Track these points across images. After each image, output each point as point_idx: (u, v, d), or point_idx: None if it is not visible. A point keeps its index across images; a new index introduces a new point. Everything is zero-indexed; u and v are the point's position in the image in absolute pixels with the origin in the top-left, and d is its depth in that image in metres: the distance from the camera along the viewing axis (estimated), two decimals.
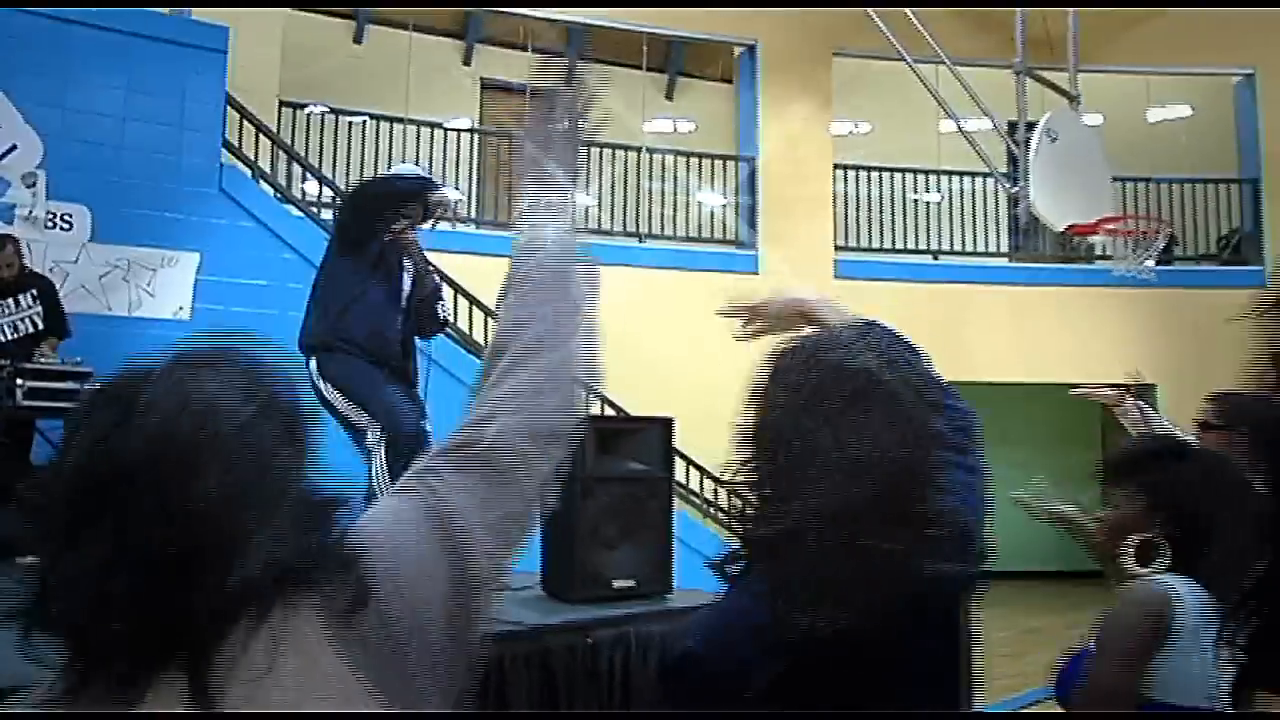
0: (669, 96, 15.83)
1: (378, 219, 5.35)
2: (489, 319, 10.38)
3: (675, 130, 15.25)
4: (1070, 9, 10.20)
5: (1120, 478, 2.61)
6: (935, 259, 13.45)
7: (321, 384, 5.15)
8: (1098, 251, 13.07)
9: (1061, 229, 9.22)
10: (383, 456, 4.98)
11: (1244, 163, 14.09)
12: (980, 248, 13.89)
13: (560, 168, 1.63)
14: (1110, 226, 9.33)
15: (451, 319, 6.08)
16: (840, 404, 1.51)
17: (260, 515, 1.14)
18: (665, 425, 4.68)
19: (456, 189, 12.79)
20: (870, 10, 10.08)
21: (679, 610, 4.29)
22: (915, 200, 14.05)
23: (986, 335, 12.63)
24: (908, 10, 10.35)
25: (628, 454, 4.63)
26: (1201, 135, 14.89)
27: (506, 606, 4.51)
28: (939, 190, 14.08)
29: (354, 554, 1.19)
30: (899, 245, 13.65)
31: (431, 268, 5.82)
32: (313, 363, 5.18)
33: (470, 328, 10.33)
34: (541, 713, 3.88)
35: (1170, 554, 2.43)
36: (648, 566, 4.55)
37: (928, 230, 13.84)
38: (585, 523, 4.40)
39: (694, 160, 13.55)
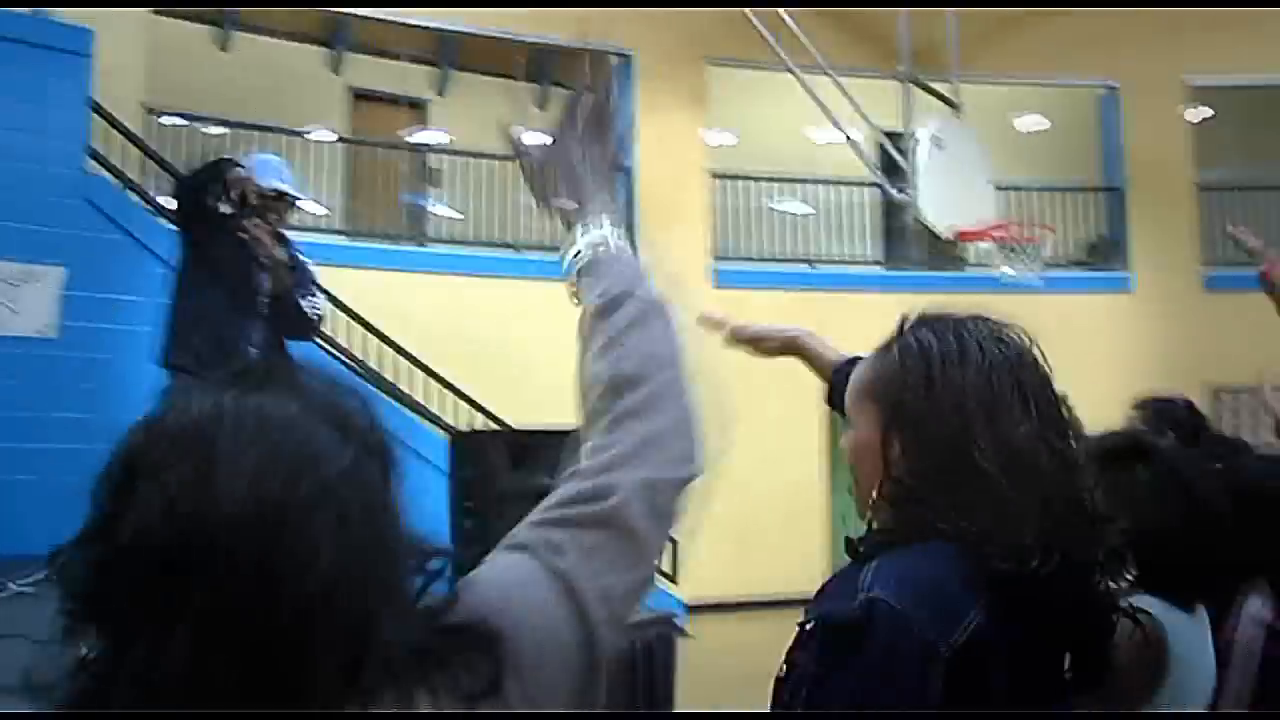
0: (542, 107, 15.69)
1: (202, 214, 5.05)
2: (366, 331, 10.15)
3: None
4: (951, 15, 10.32)
5: None
6: (812, 266, 13.55)
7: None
8: (973, 258, 13.30)
9: (949, 235, 9.33)
10: None
11: (1107, 172, 14.49)
12: (855, 255, 14.05)
13: (598, 179, 1.49)
14: (996, 233, 9.48)
15: (323, 314, 5.72)
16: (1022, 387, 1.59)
17: (384, 579, 0.95)
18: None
19: (319, 202, 12.49)
20: (750, 14, 10.07)
21: None
22: (779, 210, 14.17)
23: (864, 343, 12.71)
24: (785, 16, 10.37)
25: (543, 467, 4.48)
26: (1064, 144, 15.31)
27: None
28: (813, 198, 14.20)
29: (492, 630, 1.00)
30: (775, 254, 13.72)
31: (298, 261, 5.41)
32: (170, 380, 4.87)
33: (349, 341, 10.06)
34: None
35: (1135, 566, 2.32)
36: None
37: (803, 238, 13.95)
38: (493, 538, 4.24)
39: None
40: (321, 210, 12.54)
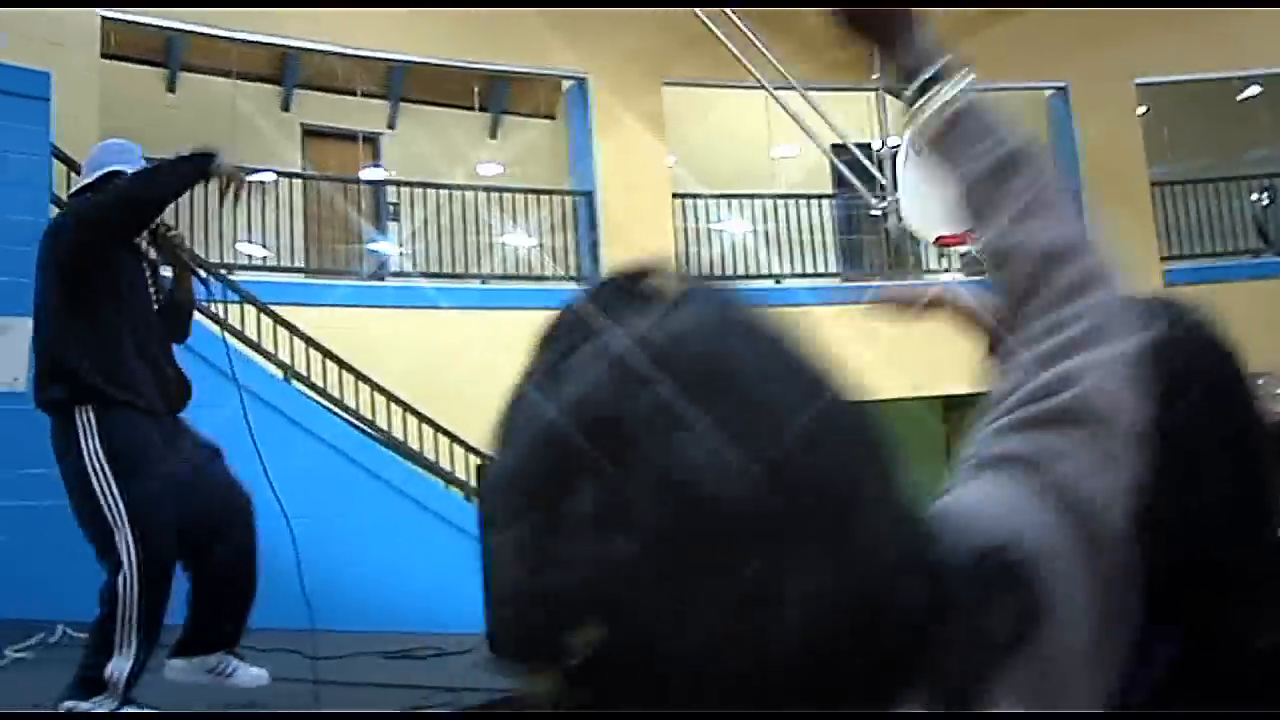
0: (493, 135, 15.59)
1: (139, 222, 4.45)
2: (342, 370, 9.97)
3: (505, 170, 15.01)
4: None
5: None
6: (778, 283, 13.49)
7: (93, 449, 4.20)
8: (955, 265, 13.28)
9: (932, 240, 9.31)
10: (136, 583, 4.05)
11: (1062, 172, 14.56)
12: (819, 269, 14.03)
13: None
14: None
15: None
16: None
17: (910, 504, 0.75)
18: None
19: (259, 243, 12.26)
20: (717, 32, 10.02)
21: None
22: (731, 229, 14.12)
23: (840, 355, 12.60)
24: (749, 32, 10.34)
25: None
26: None
27: (451, 673, 4.16)
28: (766, 214, 14.12)
29: (1021, 560, 0.78)
30: (741, 271, 13.66)
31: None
32: (86, 417, 4.24)
33: (325, 381, 9.86)
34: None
35: None
36: None
37: (763, 255, 13.89)
38: None
39: (531, 198, 13.33)
40: (263, 252, 12.31)
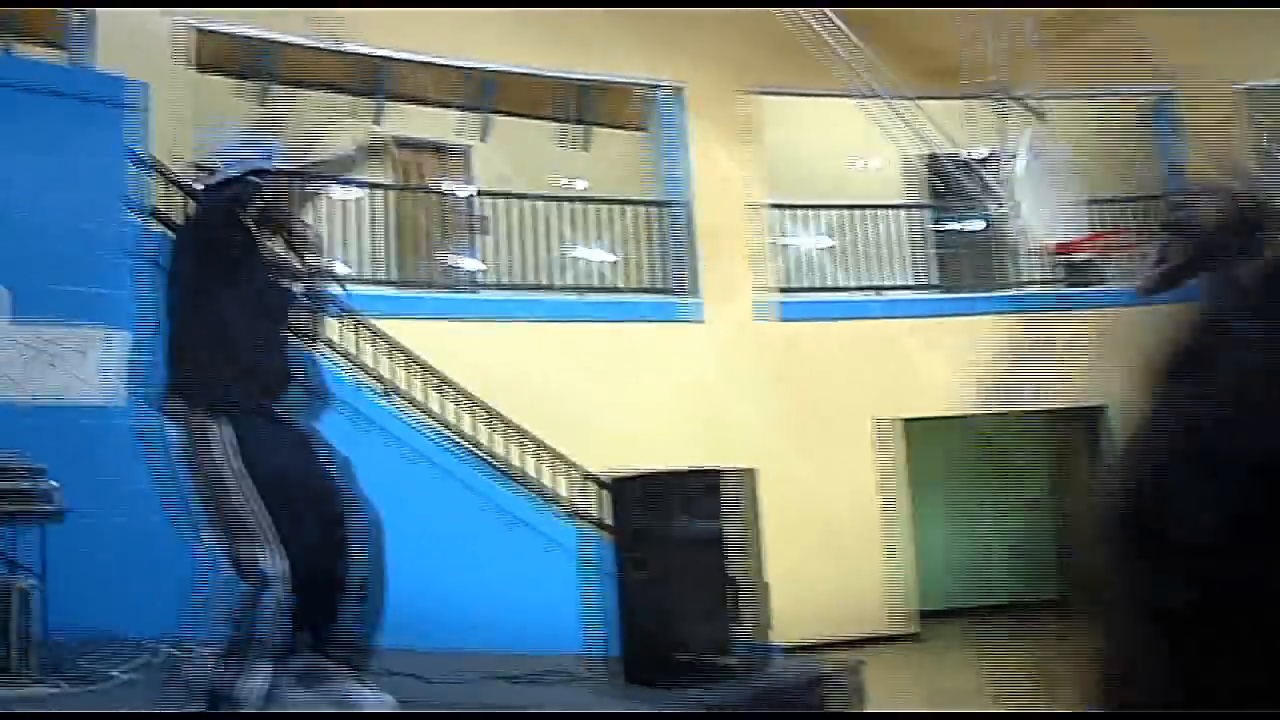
0: (583, 147, 15.38)
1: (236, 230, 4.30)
2: (440, 385, 9.84)
3: (595, 182, 14.79)
4: (1029, 27, 10.03)
5: None
6: (879, 294, 13.15)
7: (233, 460, 3.97)
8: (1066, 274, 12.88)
9: (1051, 247, 8.98)
10: (277, 599, 3.88)
11: (1169, 180, 14.08)
12: (914, 280, 13.68)
13: None
14: (1102, 244, 9.12)
15: None
16: None
17: None
18: (748, 477, 4.13)
19: (339, 262, 12.09)
20: (827, 38, 9.77)
21: (791, 688, 3.70)
22: (837, 242, 13.79)
23: (938, 369, 12.26)
24: (853, 39, 10.07)
25: (710, 512, 4.04)
26: (1114, 155, 14.92)
27: (580, 696, 3.91)
28: (851, 225, 13.76)
29: None
30: (841, 283, 13.32)
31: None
32: (224, 429, 4.01)
33: (425, 396, 9.70)
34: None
35: None
36: (746, 638, 3.96)
37: (862, 266, 13.55)
38: (673, 592, 3.80)
39: (621, 209, 13.10)
40: (345, 269, 12.15)
